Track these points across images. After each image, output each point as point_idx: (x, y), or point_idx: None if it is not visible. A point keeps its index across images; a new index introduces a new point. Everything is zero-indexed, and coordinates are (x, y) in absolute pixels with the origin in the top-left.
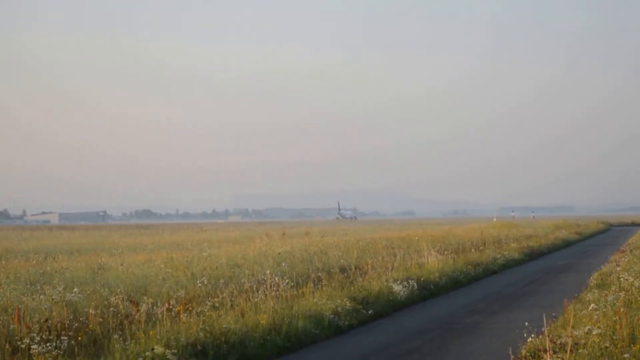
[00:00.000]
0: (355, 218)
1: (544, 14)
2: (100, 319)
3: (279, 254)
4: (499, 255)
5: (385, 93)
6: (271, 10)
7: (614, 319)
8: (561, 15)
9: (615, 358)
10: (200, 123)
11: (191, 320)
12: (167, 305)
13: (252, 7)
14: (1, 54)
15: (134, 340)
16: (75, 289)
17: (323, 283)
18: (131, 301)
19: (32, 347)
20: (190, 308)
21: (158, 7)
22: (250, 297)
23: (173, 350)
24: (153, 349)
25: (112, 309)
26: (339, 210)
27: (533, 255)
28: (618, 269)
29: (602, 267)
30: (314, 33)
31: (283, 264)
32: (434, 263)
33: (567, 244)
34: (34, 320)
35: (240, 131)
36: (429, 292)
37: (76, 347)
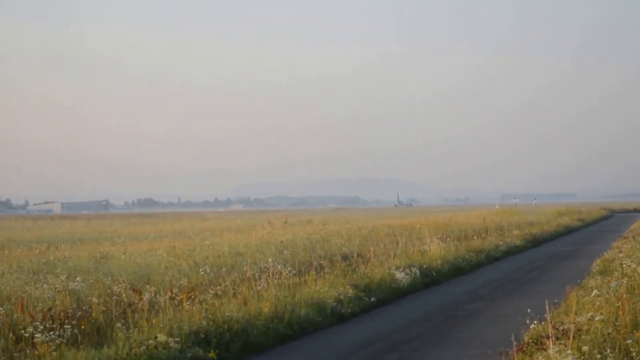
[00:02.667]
0: (411, 205)
1: (554, 11)
2: (103, 308)
3: (281, 242)
4: (501, 242)
5: (388, 95)
6: (288, 10)
7: (617, 305)
8: (570, 12)
9: (618, 344)
10: (204, 115)
11: (194, 308)
12: (169, 293)
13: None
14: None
15: (137, 329)
16: (78, 278)
17: (325, 271)
18: (134, 290)
19: (36, 335)
20: (192, 296)
21: (174, 7)
22: (253, 285)
23: (176, 339)
24: (156, 337)
25: (115, 297)
26: (398, 198)
27: (535, 242)
28: (620, 255)
29: (604, 253)
30: (316, 38)
31: (285, 252)
32: (436, 250)
33: (569, 231)
34: (37, 309)
35: (244, 120)
36: (431, 279)
37: (79, 336)
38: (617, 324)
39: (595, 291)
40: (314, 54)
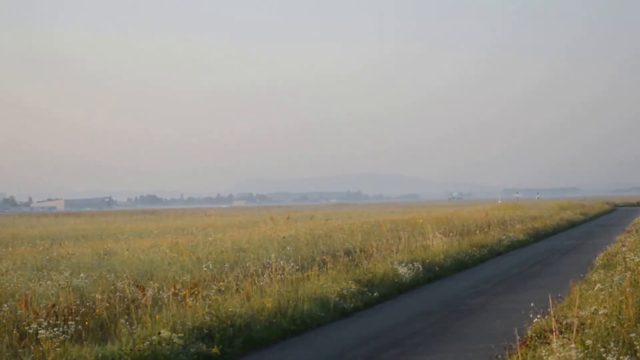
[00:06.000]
0: (461, 198)
1: (547, 11)
2: (107, 304)
3: (284, 237)
4: (503, 237)
5: (386, 98)
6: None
7: (620, 299)
8: (564, 9)
9: (621, 338)
10: (207, 115)
11: (197, 304)
12: (173, 289)
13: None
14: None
15: (140, 325)
16: (81, 275)
17: (328, 266)
18: (137, 286)
19: (40, 332)
20: (196, 292)
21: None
22: (256, 281)
23: (179, 334)
24: (159, 333)
25: (118, 293)
26: (452, 193)
27: (538, 237)
28: (624, 249)
29: (607, 247)
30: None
31: (288, 248)
32: (438, 245)
33: (572, 225)
34: (41, 305)
35: (246, 120)
36: (434, 274)
37: (83, 332)
38: (620, 317)
39: (598, 285)
40: (316, 55)
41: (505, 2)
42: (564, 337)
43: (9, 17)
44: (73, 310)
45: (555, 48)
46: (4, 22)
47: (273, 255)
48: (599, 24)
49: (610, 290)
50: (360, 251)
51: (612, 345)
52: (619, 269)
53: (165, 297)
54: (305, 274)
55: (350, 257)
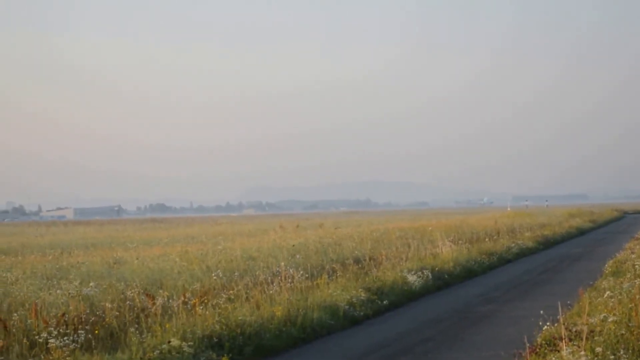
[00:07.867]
0: (492, 203)
1: (555, 13)
2: (117, 313)
3: (293, 246)
4: (513, 244)
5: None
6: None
7: (630, 306)
8: (572, 10)
9: (631, 345)
10: (215, 122)
11: (207, 312)
12: (182, 298)
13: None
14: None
15: (150, 334)
16: (91, 283)
17: (337, 274)
18: (147, 295)
19: (50, 341)
20: (205, 301)
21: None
22: (265, 289)
23: (189, 343)
24: (169, 342)
25: (128, 302)
26: (483, 200)
27: (547, 244)
28: (633, 256)
29: (617, 254)
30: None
31: (297, 256)
32: (448, 253)
33: (581, 232)
34: (51, 314)
35: (255, 127)
36: (443, 281)
37: (93, 341)
38: (630, 325)
39: (607, 292)
40: (323, 60)
41: (511, 5)
42: (574, 345)
43: (15, 23)
44: (83, 319)
45: (563, 52)
46: (16, 30)
47: (282, 263)
48: (608, 26)
49: (619, 297)
50: (370, 259)
51: (621, 353)
52: (629, 276)
53: (175, 305)
54: (315, 282)
55: (360, 265)
